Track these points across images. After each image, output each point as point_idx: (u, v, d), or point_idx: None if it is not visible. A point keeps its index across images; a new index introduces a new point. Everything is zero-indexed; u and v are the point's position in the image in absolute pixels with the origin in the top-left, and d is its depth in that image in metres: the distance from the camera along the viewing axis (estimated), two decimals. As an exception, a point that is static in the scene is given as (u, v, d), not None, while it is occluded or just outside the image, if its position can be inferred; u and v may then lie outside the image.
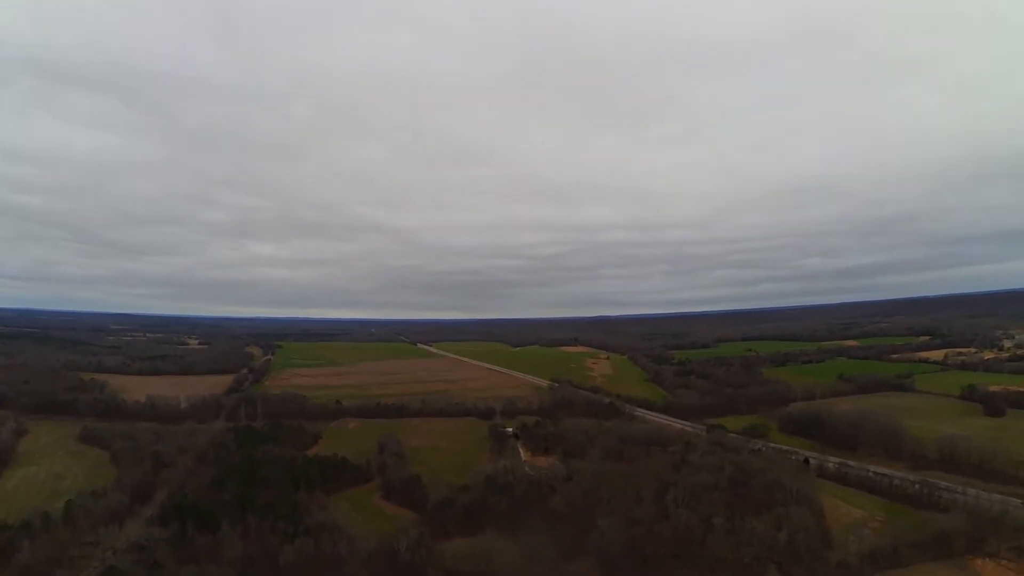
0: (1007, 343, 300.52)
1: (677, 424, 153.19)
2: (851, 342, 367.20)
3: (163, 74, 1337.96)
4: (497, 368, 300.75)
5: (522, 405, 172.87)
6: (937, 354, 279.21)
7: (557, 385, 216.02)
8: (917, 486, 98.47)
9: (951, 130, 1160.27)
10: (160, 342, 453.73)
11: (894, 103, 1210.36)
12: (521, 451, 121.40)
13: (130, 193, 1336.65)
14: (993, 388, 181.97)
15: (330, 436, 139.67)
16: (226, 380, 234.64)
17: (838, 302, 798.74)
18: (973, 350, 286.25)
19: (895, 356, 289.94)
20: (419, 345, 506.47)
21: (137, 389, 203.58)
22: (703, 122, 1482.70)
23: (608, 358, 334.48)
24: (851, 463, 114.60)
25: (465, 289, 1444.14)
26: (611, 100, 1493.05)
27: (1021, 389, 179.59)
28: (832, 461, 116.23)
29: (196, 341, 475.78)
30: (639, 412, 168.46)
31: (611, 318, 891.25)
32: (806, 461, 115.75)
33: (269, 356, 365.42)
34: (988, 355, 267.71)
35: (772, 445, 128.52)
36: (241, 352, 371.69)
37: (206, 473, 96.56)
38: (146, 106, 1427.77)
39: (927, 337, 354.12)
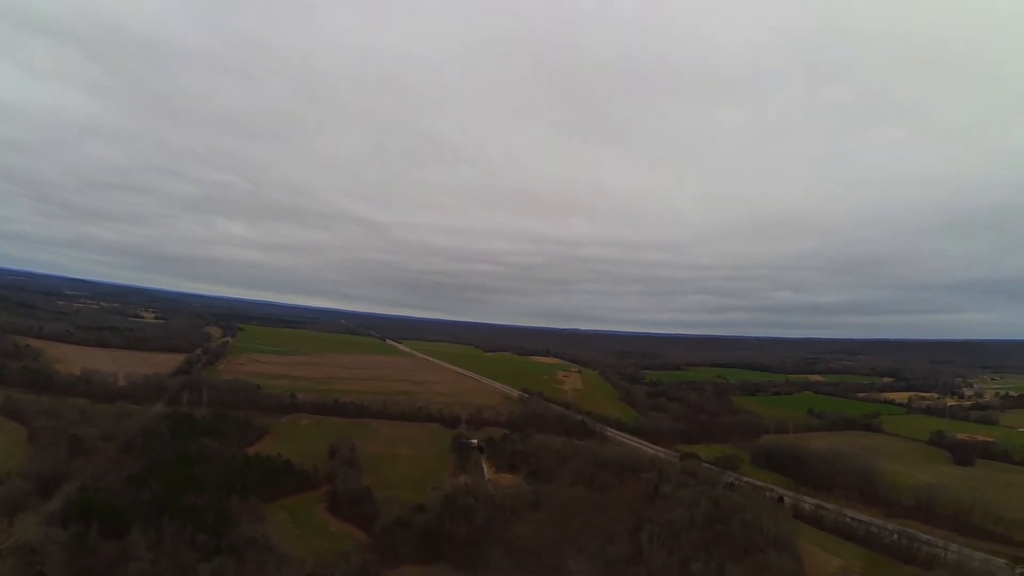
0: (967, 391, 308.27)
1: (649, 449, 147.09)
2: (817, 377, 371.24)
3: (131, 32, 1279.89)
4: (466, 372, 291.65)
5: (489, 415, 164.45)
6: (901, 396, 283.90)
7: (527, 397, 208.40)
8: (896, 536, 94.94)
9: (928, 177, 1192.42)
10: (113, 312, 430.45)
11: (877, 144, 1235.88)
12: (485, 467, 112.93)
13: (92, 156, 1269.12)
14: (960, 436, 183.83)
15: (279, 433, 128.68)
16: (176, 359, 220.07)
17: (804, 336, 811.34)
18: (935, 395, 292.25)
19: (862, 395, 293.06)
20: (388, 341, 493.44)
21: (77, 360, 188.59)
22: (690, 147, 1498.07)
23: (579, 372, 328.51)
24: (827, 505, 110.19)
25: (440, 290, 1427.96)
26: (600, 116, 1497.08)
27: (987, 439, 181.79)
28: (808, 502, 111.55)
29: (153, 315, 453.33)
30: (610, 432, 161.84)
31: (584, 332, 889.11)
32: (780, 499, 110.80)
33: (228, 338, 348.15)
34: (950, 402, 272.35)
35: (745, 479, 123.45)
36: (199, 331, 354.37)
37: (129, 465, 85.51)
38: (112, 65, 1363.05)
39: (891, 379, 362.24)
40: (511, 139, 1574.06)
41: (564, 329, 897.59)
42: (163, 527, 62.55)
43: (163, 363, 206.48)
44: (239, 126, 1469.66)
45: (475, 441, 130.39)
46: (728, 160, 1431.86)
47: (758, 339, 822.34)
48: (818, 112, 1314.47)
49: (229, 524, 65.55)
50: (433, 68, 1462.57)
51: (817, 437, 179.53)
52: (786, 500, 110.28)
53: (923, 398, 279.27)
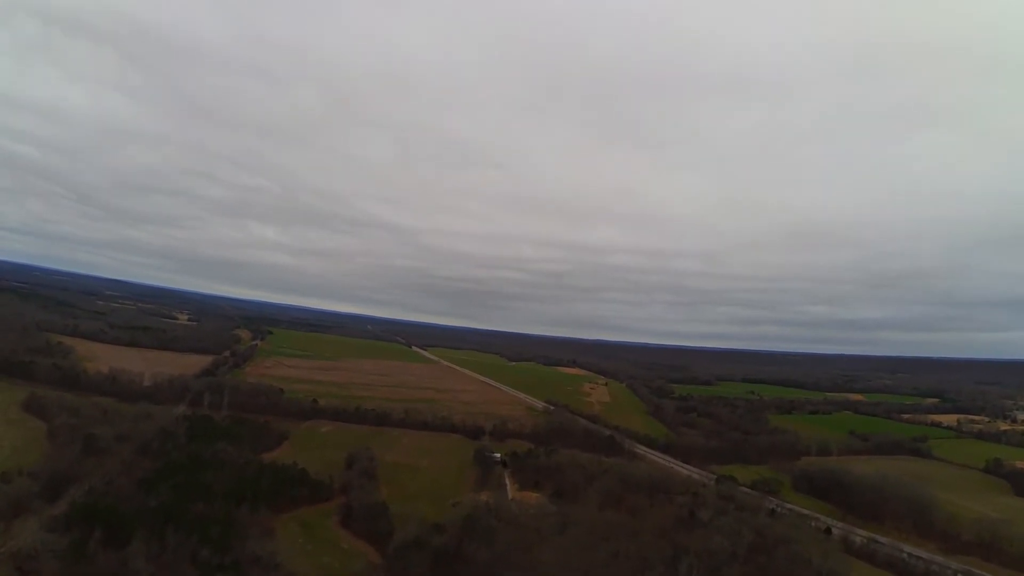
0: (1020, 415, 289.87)
1: (681, 468, 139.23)
2: (857, 396, 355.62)
3: (167, 36, 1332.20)
4: (490, 382, 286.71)
5: (513, 427, 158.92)
6: (949, 418, 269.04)
7: (553, 409, 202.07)
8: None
9: (978, 188, 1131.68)
10: (148, 313, 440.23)
11: (924, 152, 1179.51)
12: (508, 483, 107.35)
13: (129, 158, 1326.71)
14: (1020, 464, 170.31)
15: (298, 439, 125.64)
16: (204, 361, 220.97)
17: (840, 352, 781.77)
18: (985, 418, 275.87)
19: (906, 416, 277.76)
20: (414, 348, 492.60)
21: (107, 359, 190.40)
22: (722, 151, 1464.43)
23: (606, 384, 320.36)
24: (881, 539, 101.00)
25: (466, 297, 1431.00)
26: (631, 119, 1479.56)
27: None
28: (859, 534, 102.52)
29: (186, 317, 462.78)
30: (640, 449, 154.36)
31: (610, 343, 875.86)
32: (828, 530, 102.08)
33: (257, 341, 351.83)
34: (1003, 426, 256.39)
35: (788, 505, 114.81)
36: (229, 333, 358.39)
37: (142, 468, 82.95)
38: (148, 68, 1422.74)
39: (936, 400, 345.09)
40: (539, 143, 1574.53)
41: (590, 339, 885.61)
42: (167, 538, 58.99)
43: (191, 364, 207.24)
44: (270, 130, 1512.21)
45: (498, 455, 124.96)
46: (763, 165, 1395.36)
47: (791, 354, 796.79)
48: (861, 116, 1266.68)
49: (235, 538, 61.64)
50: (461, 72, 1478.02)
51: (862, 461, 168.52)
52: (834, 531, 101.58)
53: (973, 421, 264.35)
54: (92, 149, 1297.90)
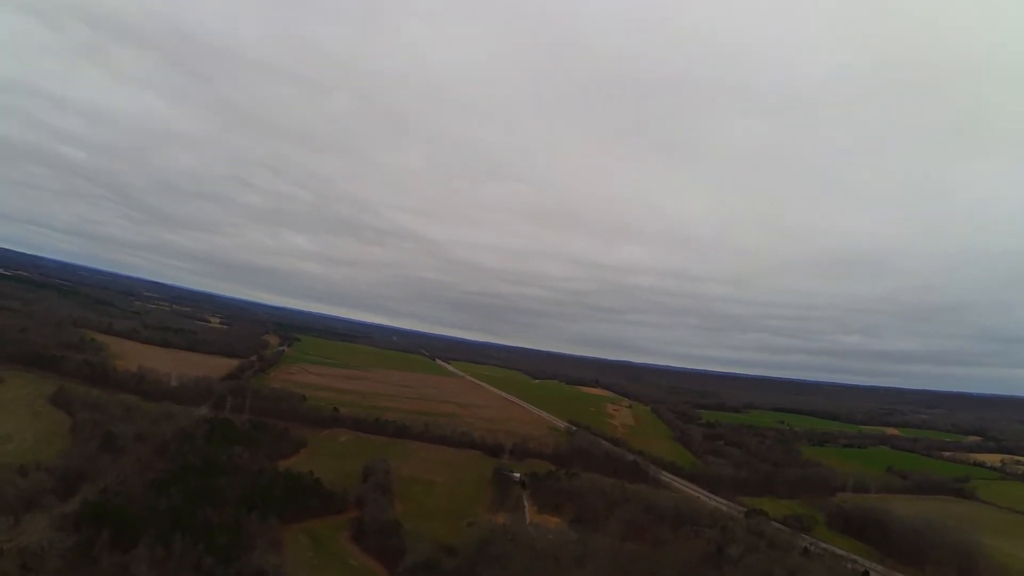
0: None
1: (708, 499, 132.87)
2: (893, 430, 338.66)
3: (208, 40, 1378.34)
4: (512, 398, 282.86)
5: (534, 446, 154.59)
6: (992, 458, 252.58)
7: (575, 429, 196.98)
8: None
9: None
10: (182, 315, 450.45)
11: (969, 178, 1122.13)
12: (526, 505, 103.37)
13: (171, 163, 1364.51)
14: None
15: (316, 447, 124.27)
16: (231, 364, 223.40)
17: (874, 384, 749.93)
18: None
19: (947, 454, 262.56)
20: (437, 361, 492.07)
21: (137, 357, 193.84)
22: (757, 167, 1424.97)
23: (630, 407, 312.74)
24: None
25: (490, 311, 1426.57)
26: (663, 134, 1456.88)
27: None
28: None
29: (218, 320, 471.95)
30: (664, 476, 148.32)
31: (634, 364, 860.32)
32: (865, 574, 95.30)
33: (284, 347, 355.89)
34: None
35: (822, 545, 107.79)
36: (258, 338, 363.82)
37: (157, 468, 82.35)
38: (190, 72, 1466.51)
39: (978, 438, 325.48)
40: (568, 156, 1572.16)
41: (614, 360, 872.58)
42: (173, 544, 57.49)
43: (218, 367, 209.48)
44: (305, 137, 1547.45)
45: (518, 474, 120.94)
46: (799, 185, 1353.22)
47: (823, 384, 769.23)
48: (909, 138, 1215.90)
49: (242, 548, 59.77)
50: (493, 83, 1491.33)
51: (901, 500, 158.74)
52: (871, 575, 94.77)
53: (1018, 462, 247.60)
54: (135, 152, 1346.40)
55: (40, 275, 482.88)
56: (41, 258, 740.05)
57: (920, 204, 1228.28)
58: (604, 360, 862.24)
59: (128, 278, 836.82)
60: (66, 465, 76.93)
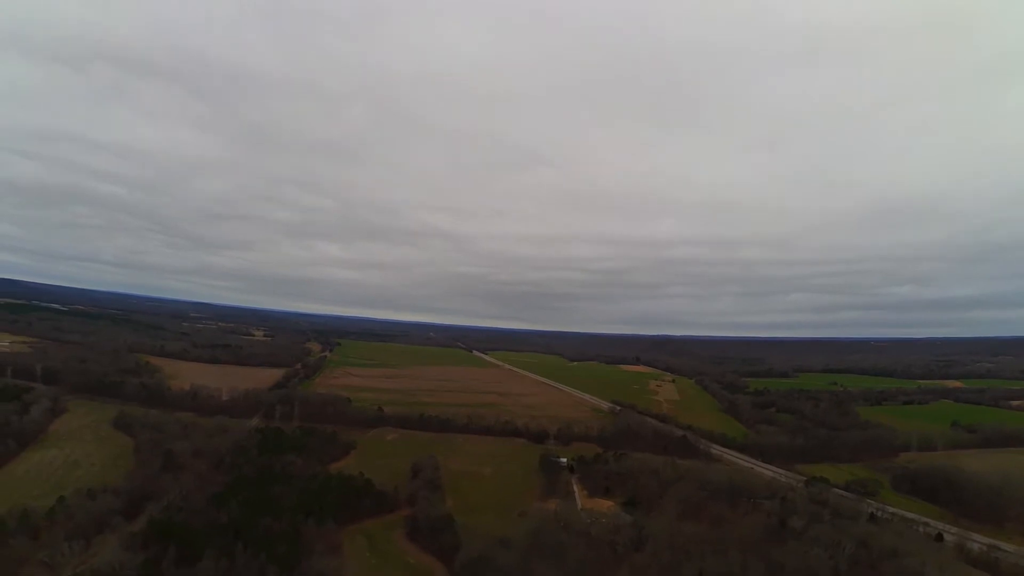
0: None
1: (764, 469, 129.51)
2: (955, 383, 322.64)
3: (225, 67, 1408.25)
4: (553, 383, 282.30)
5: (579, 430, 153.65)
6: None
7: (619, 409, 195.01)
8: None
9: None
10: (228, 331, 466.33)
11: (1014, 103, 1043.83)
12: (576, 490, 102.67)
13: (203, 189, 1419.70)
14: None
15: (364, 448, 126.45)
16: (277, 374, 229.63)
17: (930, 336, 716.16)
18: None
19: (1015, 404, 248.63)
20: (475, 352, 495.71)
21: (189, 376, 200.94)
22: (789, 124, 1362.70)
23: (674, 381, 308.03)
24: (1004, 545, 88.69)
25: (525, 300, 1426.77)
26: (689, 103, 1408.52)
27: None
28: (977, 540, 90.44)
29: (262, 333, 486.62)
30: (715, 450, 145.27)
31: (675, 338, 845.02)
32: (939, 536, 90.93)
33: (326, 353, 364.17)
34: None
35: (890, 509, 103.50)
36: (300, 347, 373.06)
37: (216, 482, 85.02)
38: (212, 99, 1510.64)
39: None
40: (593, 137, 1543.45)
41: (654, 335, 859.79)
42: (235, 555, 58.97)
43: (265, 378, 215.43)
44: (326, 148, 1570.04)
45: (564, 460, 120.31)
46: (835, 138, 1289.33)
47: (876, 340, 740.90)
48: (949, 74, 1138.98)
49: (301, 554, 60.99)
50: (507, 70, 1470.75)
51: (971, 456, 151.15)
52: (947, 537, 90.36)
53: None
54: (169, 183, 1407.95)
55: (95, 307, 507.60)
56: (94, 291, 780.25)
57: (965, 142, 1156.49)
58: (643, 336, 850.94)
59: (175, 301, 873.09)
60: (131, 486, 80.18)
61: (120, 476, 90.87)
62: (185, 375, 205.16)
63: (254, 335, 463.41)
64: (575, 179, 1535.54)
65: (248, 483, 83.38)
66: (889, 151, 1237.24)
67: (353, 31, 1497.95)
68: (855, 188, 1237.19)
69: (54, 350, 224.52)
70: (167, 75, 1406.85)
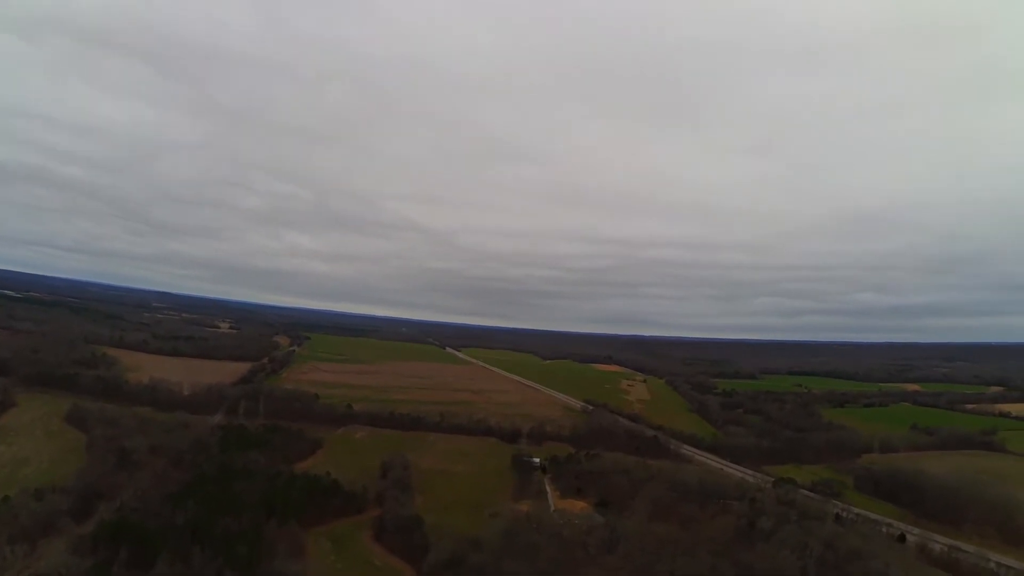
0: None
1: (733, 470, 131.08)
2: (913, 386, 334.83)
3: (193, 42, 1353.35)
4: (526, 382, 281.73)
5: (551, 429, 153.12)
6: (1018, 408, 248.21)
7: (592, 408, 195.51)
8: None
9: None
10: (192, 323, 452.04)
11: (998, 123, 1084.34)
12: (549, 490, 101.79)
13: (169, 172, 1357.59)
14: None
15: (332, 446, 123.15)
16: (242, 368, 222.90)
17: (890, 341, 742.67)
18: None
19: (971, 407, 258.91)
20: (447, 349, 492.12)
21: (149, 369, 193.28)
22: (772, 129, 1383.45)
23: (645, 381, 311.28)
24: (963, 546, 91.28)
25: (498, 296, 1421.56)
26: (670, 99, 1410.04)
27: None
28: (938, 541, 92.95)
29: (227, 325, 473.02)
30: (686, 450, 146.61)
31: (647, 338, 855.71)
32: (902, 537, 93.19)
33: (295, 347, 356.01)
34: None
35: (854, 510, 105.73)
36: (268, 340, 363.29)
37: (174, 480, 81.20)
38: (180, 78, 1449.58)
39: (1001, 388, 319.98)
40: (577, 133, 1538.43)
41: (626, 335, 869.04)
42: (192, 558, 56.06)
43: (230, 372, 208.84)
44: (300, 133, 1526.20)
45: (537, 460, 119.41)
46: (819, 147, 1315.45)
47: (838, 344, 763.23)
48: (929, 85, 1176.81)
49: (262, 556, 58.37)
50: (493, 60, 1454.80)
51: (931, 457, 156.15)
52: (909, 538, 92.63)
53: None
54: (132, 164, 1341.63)
55: (50, 294, 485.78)
56: (50, 277, 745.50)
57: (942, 156, 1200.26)
58: (617, 336, 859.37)
59: (137, 291, 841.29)
60: (82, 484, 75.99)
61: (71, 474, 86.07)
62: (145, 368, 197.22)
63: (219, 327, 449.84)
64: (557, 175, 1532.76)
65: (208, 482, 79.88)
66: (866, 162, 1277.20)
67: (334, 9, 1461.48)
68: (832, 197, 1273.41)
69: (5, 339, 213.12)
70: (130, 50, 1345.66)
